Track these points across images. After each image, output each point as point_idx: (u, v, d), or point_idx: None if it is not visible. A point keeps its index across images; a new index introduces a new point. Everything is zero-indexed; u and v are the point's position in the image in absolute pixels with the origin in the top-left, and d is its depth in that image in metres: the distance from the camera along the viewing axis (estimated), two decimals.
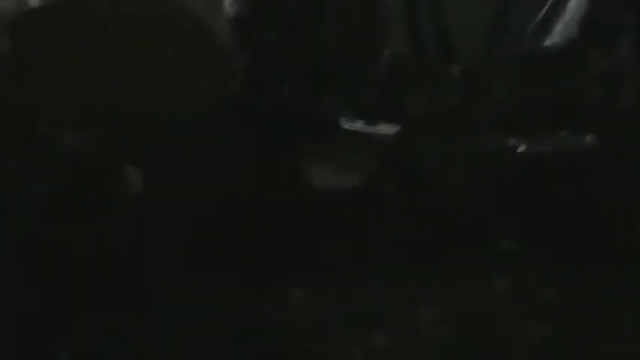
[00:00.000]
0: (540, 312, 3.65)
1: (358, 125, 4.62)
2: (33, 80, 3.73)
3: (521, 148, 4.17)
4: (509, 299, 3.78)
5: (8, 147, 3.34)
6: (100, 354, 3.04)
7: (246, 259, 4.06)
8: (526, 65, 4.51)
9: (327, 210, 4.21)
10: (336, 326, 3.81)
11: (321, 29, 4.66)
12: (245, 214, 4.15)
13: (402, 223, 4.23)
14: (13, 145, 3.29)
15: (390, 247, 4.13)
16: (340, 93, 4.68)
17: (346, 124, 4.63)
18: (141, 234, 3.60)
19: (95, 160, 3.44)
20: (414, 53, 4.75)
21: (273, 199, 4.21)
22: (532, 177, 4.11)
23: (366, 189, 4.29)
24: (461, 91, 4.50)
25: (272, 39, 4.60)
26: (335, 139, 4.54)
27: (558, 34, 4.48)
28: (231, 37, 4.59)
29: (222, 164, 4.21)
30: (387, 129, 4.53)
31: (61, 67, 3.89)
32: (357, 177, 4.33)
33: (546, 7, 4.56)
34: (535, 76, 4.39)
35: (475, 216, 4.10)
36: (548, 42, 4.51)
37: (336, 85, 4.68)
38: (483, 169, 4.17)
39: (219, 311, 3.76)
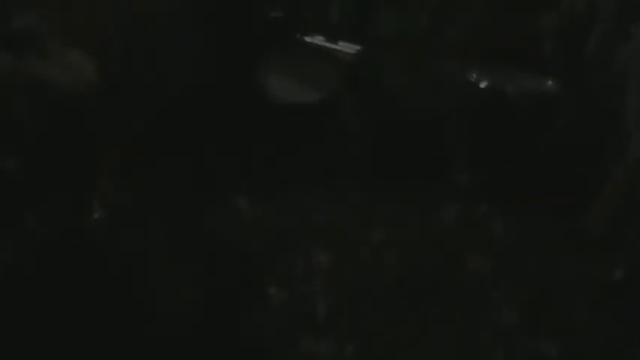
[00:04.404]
0: (486, 247, 3.71)
1: (320, 40, 4.56)
2: None
3: (483, 84, 4.17)
4: (457, 231, 3.83)
5: None
6: None
7: (198, 163, 4.05)
8: None
9: (283, 121, 4.19)
10: (281, 237, 3.82)
11: None
12: (201, 119, 4.12)
13: (358, 143, 4.22)
14: None
15: (343, 165, 4.13)
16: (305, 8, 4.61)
17: (309, 39, 4.57)
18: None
19: None
20: None
21: (231, 107, 4.17)
22: (491, 113, 4.13)
23: (324, 104, 4.26)
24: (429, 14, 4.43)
25: None
26: (297, 52, 4.48)
27: None
28: None
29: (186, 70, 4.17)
30: (349, 47, 4.48)
31: None
32: (316, 91, 4.29)
33: None
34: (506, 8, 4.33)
35: (432, 144, 4.11)
36: None
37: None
38: (445, 100, 4.17)
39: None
